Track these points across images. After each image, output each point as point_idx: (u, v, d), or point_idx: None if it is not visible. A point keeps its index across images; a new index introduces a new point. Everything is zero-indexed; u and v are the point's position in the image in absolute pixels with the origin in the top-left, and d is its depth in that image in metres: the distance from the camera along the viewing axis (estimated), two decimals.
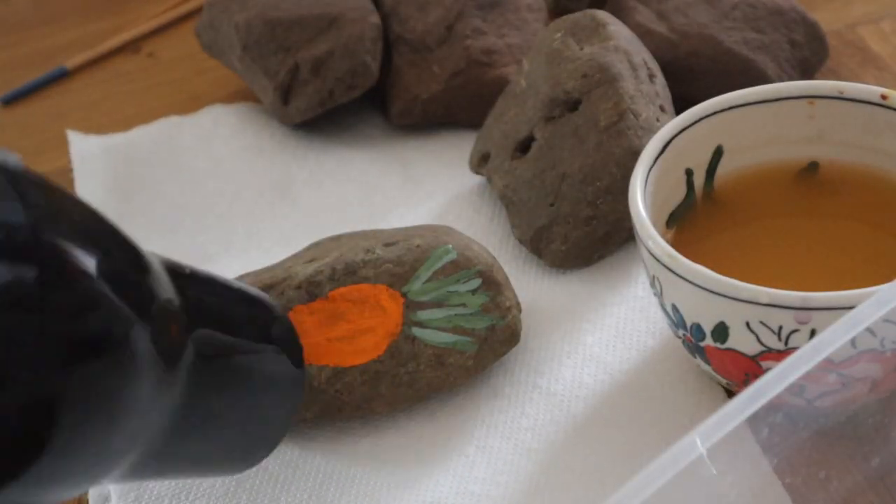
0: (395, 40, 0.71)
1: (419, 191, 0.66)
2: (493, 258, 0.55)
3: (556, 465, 0.51)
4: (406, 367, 0.53)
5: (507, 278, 0.55)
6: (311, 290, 0.53)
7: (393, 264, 0.54)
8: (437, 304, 0.53)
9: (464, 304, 0.53)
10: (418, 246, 0.54)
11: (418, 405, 0.54)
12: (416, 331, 0.53)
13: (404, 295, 0.53)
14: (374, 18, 0.70)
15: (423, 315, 0.53)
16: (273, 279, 0.55)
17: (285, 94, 0.70)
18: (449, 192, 0.66)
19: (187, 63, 0.80)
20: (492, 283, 0.54)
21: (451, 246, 0.54)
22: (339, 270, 0.54)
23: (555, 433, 0.52)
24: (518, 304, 0.55)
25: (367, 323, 0.53)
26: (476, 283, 0.54)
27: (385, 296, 0.53)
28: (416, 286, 0.53)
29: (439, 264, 0.54)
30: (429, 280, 0.53)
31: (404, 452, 0.53)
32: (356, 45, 0.68)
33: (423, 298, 0.53)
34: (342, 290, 0.53)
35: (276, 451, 0.54)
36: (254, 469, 0.53)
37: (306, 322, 0.53)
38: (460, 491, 0.51)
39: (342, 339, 0.53)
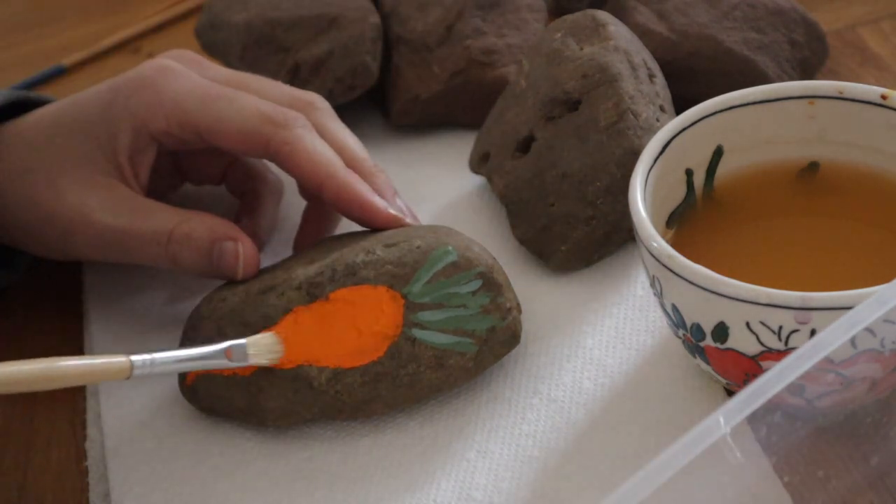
0: (395, 40, 0.71)
1: (419, 191, 0.66)
2: (494, 259, 0.55)
3: (557, 472, 0.51)
4: (406, 369, 0.53)
5: (507, 279, 0.55)
6: (312, 290, 0.53)
7: (393, 265, 0.54)
8: (438, 305, 0.53)
9: (464, 306, 0.53)
10: (419, 247, 0.54)
11: (418, 406, 0.54)
12: (417, 332, 0.53)
13: (405, 296, 0.53)
14: (374, 18, 0.70)
15: (424, 316, 0.53)
16: (273, 280, 0.55)
17: None
18: (449, 193, 0.66)
19: None
20: (492, 285, 0.54)
21: (451, 247, 0.54)
22: (339, 271, 0.54)
23: (555, 440, 0.52)
24: (518, 305, 0.55)
25: (367, 324, 0.53)
26: (476, 284, 0.54)
27: (385, 297, 0.53)
28: (416, 287, 0.53)
29: (440, 265, 0.54)
30: (429, 281, 0.53)
31: (405, 453, 0.53)
32: (356, 45, 0.68)
33: (424, 300, 0.53)
34: (342, 290, 0.53)
35: (275, 452, 0.54)
36: (253, 471, 0.53)
37: (306, 323, 0.53)
38: (462, 496, 0.51)
39: (342, 340, 0.53)
